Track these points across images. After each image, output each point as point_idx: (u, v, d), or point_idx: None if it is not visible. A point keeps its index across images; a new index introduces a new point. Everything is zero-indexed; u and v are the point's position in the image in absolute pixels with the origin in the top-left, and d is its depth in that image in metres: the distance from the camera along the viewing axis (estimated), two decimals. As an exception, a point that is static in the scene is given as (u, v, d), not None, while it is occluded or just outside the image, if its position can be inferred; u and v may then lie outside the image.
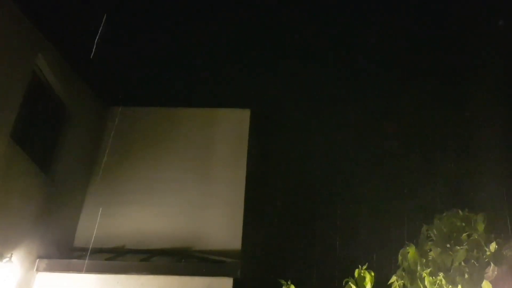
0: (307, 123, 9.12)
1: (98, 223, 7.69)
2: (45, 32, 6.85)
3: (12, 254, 6.08)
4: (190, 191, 7.99)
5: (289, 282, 4.69)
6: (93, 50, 6.49)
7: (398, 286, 4.62)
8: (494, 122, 7.68)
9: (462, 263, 4.45)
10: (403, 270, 4.68)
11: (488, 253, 4.44)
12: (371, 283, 4.33)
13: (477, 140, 7.84)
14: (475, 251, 4.46)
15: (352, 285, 4.36)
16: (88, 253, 7.34)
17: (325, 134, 8.91)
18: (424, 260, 4.62)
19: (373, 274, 4.38)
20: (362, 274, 4.34)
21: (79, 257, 7.24)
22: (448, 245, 4.58)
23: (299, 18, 7.27)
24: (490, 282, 4.36)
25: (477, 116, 7.93)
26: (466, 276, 4.38)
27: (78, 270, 6.78)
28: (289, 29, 7.48)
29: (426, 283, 4.51)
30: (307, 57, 7.99)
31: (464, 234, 4.57)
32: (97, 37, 6.60)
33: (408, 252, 4.67)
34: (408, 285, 4.60)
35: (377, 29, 7.33)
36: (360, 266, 4.39)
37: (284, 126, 9.20)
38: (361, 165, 8.69)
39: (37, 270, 6.69)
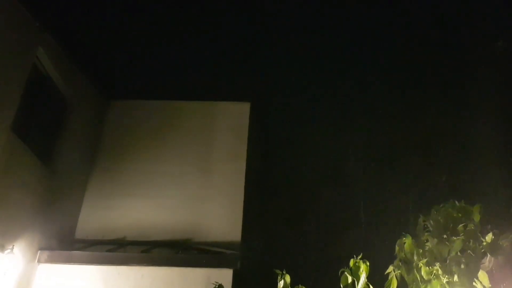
0: (306, 117, 9.15)
1: (99, 215, 7.76)
2: (45, 25, 6.87)
3: (13, 245, 6.13)
4: (191, 184, 8.04)
5: (284, 272, 4.73)
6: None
7: (395, 276, 4.65)
8: (490, 117, 7.74)
9: (459, 253, 4.48)
10: (400, 260, 4.71)
11: (484, 243, 4.46)
12: (366, 273, 4.36)
13: (474, 134, 7.89)
14: (471, 241, 4.49)
15: (347, 274, 4.39)
16: (89, 245, 7.41)
17: (324, 128, 8.94)
18: (421, 251, 4.64)
19: (368, 263, 4.41)
20: (357, 264, 4.37)
21: (80, 249, 7.31)
22: (444, 236, 4.60)
23: (299, 13, 7.28)
24: (487, 272, 4.38)
25: (473, 112, 7.98)
26: (463, 266, 4.40)
27: (79, 261, 6.84)
28: (289, 23, 7.49)
29: (422, 273, 4.54)
30: (307, 51, 8.00)
31: (461, 225, 4.59)
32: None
33: (405, 243, 4.69)
34: (405, 275, 4.63)
35: (378, 27, 7.36)
36: (355, 256, 4.42)
37: (283, 119, 9.24)
38: (359, 158, 8.72)
39: (39, 261, 6.75)
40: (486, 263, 4.46)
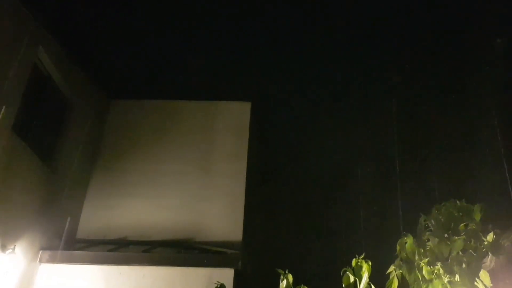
0: (307, 116, 9.15)
1: (100, 215, 7.77)
2: (46, 25, 6.87)
3: (15, 245, 6.13)
4: (192, 183, 8.04)
5: (286, 271, 4.74)
6: None
7: (396, 275, 4.66)
8: (490, 116, 7.75)
9: (460, 253, 4.48)
10: (401, 259, 4.72)
11: (485, 243, 4.46)
12: (368, 272, 4.37)
13: (474, 133, 7.90)
14: (472, 241, 4.49)
15: (349, 274, 4.41)
16: (91, 245, 7.42)
17: (325, 128, 8.94)
18: (422, 250, 4.65)
19: (370, 263, 4.42)
20: (359, 264, 4.38)
21: (81, 249, 7.31)
22: (446, 235, 4.61)
23: (301, 11, 7.28)
24: (488, 272, 4.38)
25: (473, 111, 8.00)
26: (464, 265, 4.41)
27: (81, 261, 6.85)
28: (290, 23, 7.49)
29: (424, 272, 4.55)
30: (308, 51, 7.99)
31: (462, 224, 4.60)
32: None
33: (406, 242, 4.70)
34: (406, 275, 4.64)
35: (378, 27, 7.36)
36: (357, 256, 4.43)
37: (284, 119, 9.24)
38: (360, 157, 8.73)
39: (40, 261, 6.76)
40: (488, 263, 4.46)
